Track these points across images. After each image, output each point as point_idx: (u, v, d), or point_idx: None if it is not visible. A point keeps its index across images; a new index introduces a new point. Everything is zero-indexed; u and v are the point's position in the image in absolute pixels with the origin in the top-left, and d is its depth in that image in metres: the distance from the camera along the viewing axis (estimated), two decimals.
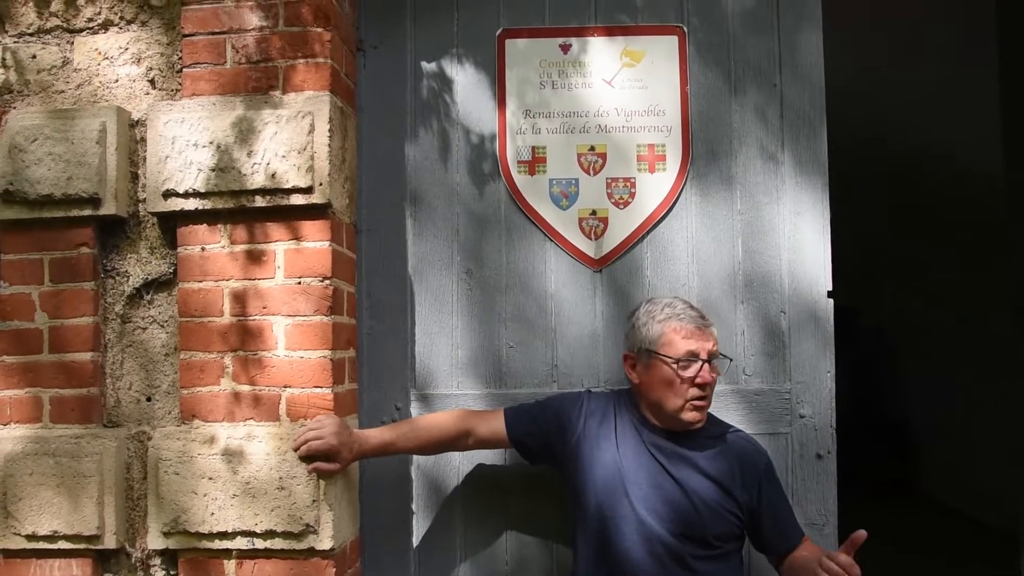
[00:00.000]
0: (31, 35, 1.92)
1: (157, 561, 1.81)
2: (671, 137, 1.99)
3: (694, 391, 1.65)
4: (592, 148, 2.01)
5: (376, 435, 1.79)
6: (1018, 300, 2.86)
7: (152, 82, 1.90)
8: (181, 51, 1.86)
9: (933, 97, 3.96)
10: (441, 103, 2.04)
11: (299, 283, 1.78)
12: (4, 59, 1.91)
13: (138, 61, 1.90)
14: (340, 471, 1.75)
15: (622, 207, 1.99)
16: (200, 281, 1.80)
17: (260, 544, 1.73)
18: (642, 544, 1.63)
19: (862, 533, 1.52)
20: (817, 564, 1.55)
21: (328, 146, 1.77)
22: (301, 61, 1.81)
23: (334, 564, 1.74)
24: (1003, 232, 2.92)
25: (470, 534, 1.97)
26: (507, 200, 2.01)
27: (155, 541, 1.76)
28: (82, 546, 1.79)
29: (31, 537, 1.78)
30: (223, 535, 1.73)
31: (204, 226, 1.81)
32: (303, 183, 1.75)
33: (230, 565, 1.75)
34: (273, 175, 1.76)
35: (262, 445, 1.73)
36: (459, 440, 1.80)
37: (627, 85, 2.01)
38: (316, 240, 1.79)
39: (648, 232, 1.98)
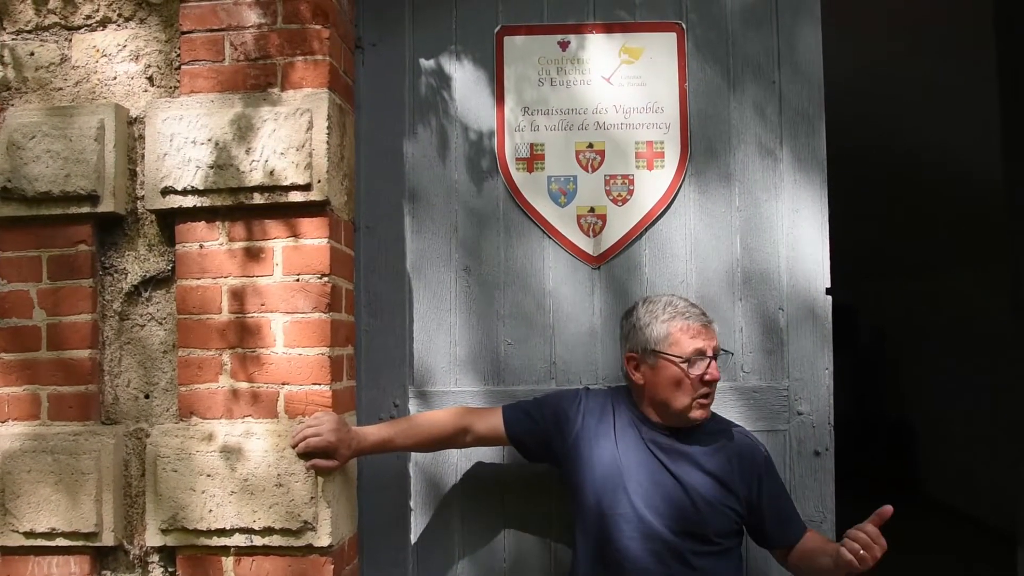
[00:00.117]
0: (29, 32, 1.92)
1: (155, 558, 1.81)
2: (670, 134, 1.99)
3: (702, 389, 1.65)
4: (590, 145, 2.00)
5: (374, 432, 1.79)
6: (1017, 298, 2.86)
7: (150, 79, 1.90)
8: (179, 48, 1.85)
9: (933, 95, 3.95)
10: (440, 100, 2.03)
11: (297, 280, 1.78)
12: (2, 56, 1.91)
13: (136, 58, 1.90)
14: (338, 468, 1.75)
15: (620, 204, 1.99)
16: (198, 278, 1.80)
17: (258, 541, 1.73)
18: (642, 541, 1.63)
19: (889, 508, 1.51)
20: (839, 544, 1.54)
21: (327, 143, 1.77)
22: (300, 58, 1.81)
23: (332, 561, 1.74)
24: (1003, 230, 2.92)
25: (468, 531, 1.97)
26: (505, 197, 2.01)
27: (153, 538, 1.76)
28: (80, 543, 1.79)
29: (29, 534, 1.78)
30: (221, 532, 1.73)
31: (202, 223, 1.81)
32: (301, 180, 1.75)
33: (228, 562, 1.75)
34: (271, 172, 1.76)
35: (260, 442, 1.73)
36: (457, 437, 1.80)
37: (626, 82, 2.01)
38: (314, 237, 1.79)
39: (646, 229, 1.98)
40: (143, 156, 1.85)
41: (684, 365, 1.64)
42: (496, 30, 2.03)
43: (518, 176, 2.01)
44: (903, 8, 3.23)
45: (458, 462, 1.97)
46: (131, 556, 1.82)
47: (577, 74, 2.02)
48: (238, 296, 1.79)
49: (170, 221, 1.84)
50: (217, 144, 1.77)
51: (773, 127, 1.98)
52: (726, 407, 1.89)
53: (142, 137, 1.86)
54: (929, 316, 6.34)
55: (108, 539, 1.78)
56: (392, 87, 2.03)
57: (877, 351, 7.34)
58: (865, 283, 6.81)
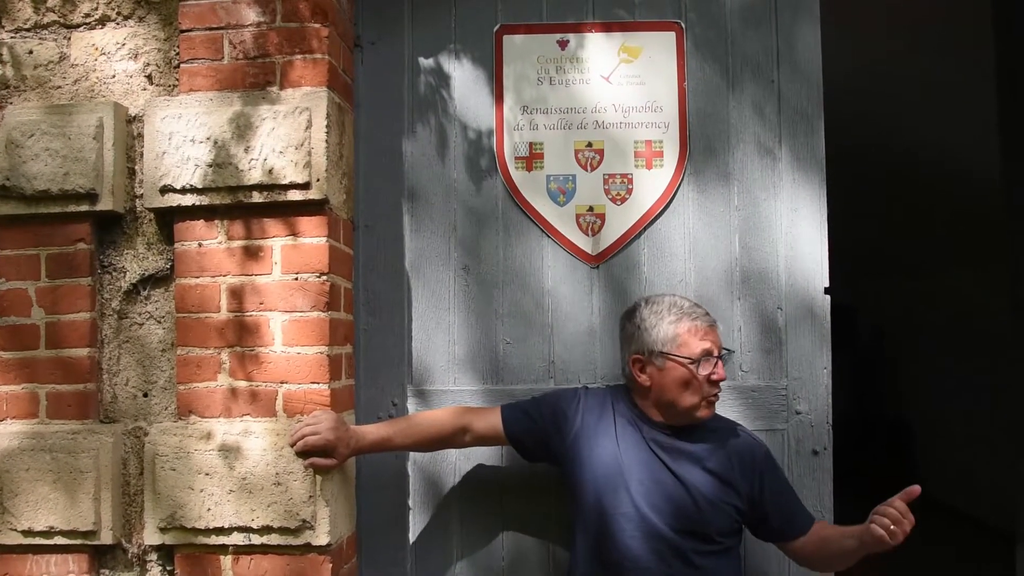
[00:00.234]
0: (28, 30, 1.91)
1: (153, 557, 1.81)
2: (668, 133, 1.99)
3: (710, 388, 1.66)
4: (589, 144, 2.00)
5: (373, 431, 1.79)
6: (1016, 297, 2.86)
7: (149, 78, 1.90)
8: (178, 47, 1.85)
9: (932, 94, 3.95)
10: (439, 99, 2.03)
11: (296, 279, 1.78)
12: (1, 54, 1.91)
13: (135, 57, 1.90)
14: (337, 467, 1.75)
15: (619, 203, 1.99)
16: (197, 277, 1.80)
17: (256, 540, 1.73)
18: (644, 540, 1.63)
19: (917, 488, 1.52)
20: (867, 523, 1.54)
21: (325, 142, 1.76)
22: (298, 57, 1.80)
23: (330, 560, 1.74)
24: (1002, 229, 2.92)
25: (467, 531, 1.97)
26: (504, 196, 2.01)
27: (152, 537, 1.76)
28: (78, 542, 1.79)
29: (27, 533, 1.78)
30: (220, 531, 1.73)
31: (201, 222, 1.81)
32: (300, 179, 1.75)
33: (226, 560, 1.75)
34: (270, 171, 1.76)
35: (259, 441, 1.73)
36: (456, 437, 1.80)
37: (625, 81, 2.01)
38: (313, 236, 1.78)
39: (645, 228, 1.98)
40: (142, 154, 1.85)
41: (693, 366, 1.64)
42: (495, 29, 2.03)
43: (517, 175, 2.01)
44: (902, 7, 3.23)
45: (457, 461, 1.97)
46: (129, 555, 1.82)
47: (576, 73, 2.02)
48: (237, 295, 1.79)
49: (169, 220, 1.84)
50: (216, 143, 1.77)
51: (772, 126, 1.98)
52: (725, 406, 1.89)
53: (141, 135, 1.86)
54: (928, 315, 6.34)
55: (106, 537, 1.78)
56: (391, 86, 2.03)
57: (876, 350, 7.34)
58: (864, 282, 6.81)
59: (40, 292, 1.84)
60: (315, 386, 1.77)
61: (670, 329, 1.66)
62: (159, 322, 1.87)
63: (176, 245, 1.82)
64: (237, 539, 1.73)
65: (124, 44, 1.90)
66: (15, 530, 1.78)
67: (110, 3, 1.90)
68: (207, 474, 1.73)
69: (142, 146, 1.84)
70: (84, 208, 1.82)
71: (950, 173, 4.59)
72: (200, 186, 1.77)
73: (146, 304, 1.88)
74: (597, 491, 1.67)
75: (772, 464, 1.74)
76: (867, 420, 6.96)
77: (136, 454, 1.84)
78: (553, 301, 1.99)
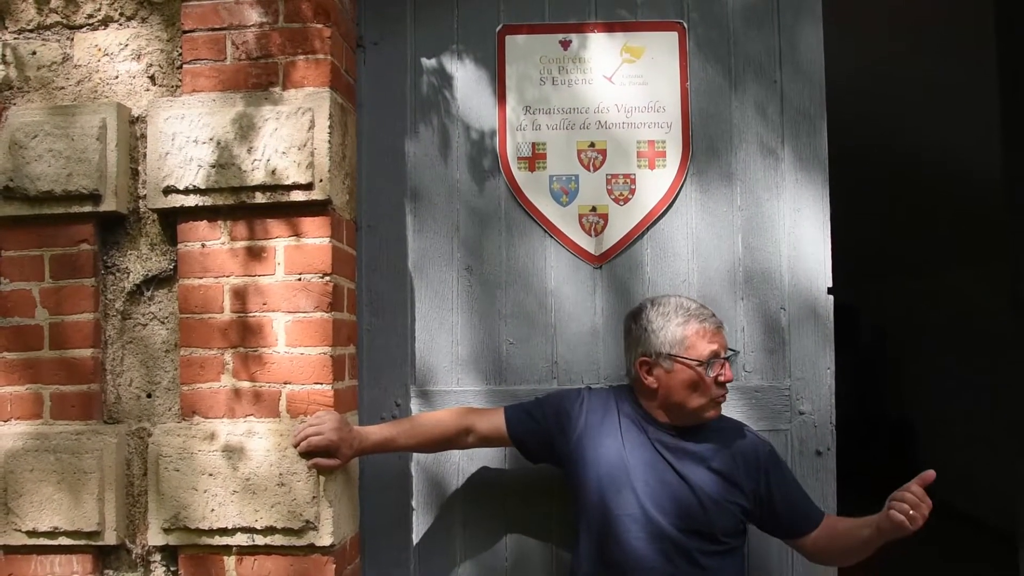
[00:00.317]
0: (31, 31, 1.92)
1: (157, 557, 1.81)
2: (671, 133, 1.99)
3: (718, 389, 1.66)
4: (592, 144, 2.00)
5: (376, 432, 1.79)
6: (1018, 297, 2.86)
7: (152, 78, 1.90)
8: (181, 47, 1.85)
9: (934, 94, 3.95)
10: (441, 99, 2.03)
11: (299, 279, 1.78)
12: (4, 55, 1.91)
13: (138, 57, 1.90)
14: (340, 467, 1.75)
15: (622, 203, 1.99)
16: (200, 277, 1.80)
17: (260, 540, 1.73)
18: (649, 541, 1.63)
19: (931, 472, 1.52)
20: (884, 511, 1.54)
21: (328, 142, 1.77)
22: (301, 57, 1.81)
23: (334, 560, 1.74)
24: (1003, 229, 2.92)
25: (470, 532, 1.97)
26: (507, 196, 2.01)
27: (155, 537, 1.76)
28: (82, 542, 1.79)
29: (32, 533, 1.78)
30: (223, 531, 1.73)
31: (204, 222, 1.81)
32: (303, 179, 1.75)
33: (230, 561, 1.75)
34: (273, 171, 1.76)
35: (262, 441, 1.73)
36: (459, 438, 1.80)
37: (627, 81, 2.01)
38: (316, 236, 1.79)
39: (648, 228, 1.98)
40: (145, 155, 1.85)
41: (701, 368, 1.64)
42: (498, 29, 2.03)
43: (520, 175, 2.01)
44: (904, 7, 3.23)
45: (460, 462, 1.97)
46: (133, 555, 1.82)
47: (579, 73, 2.02)
48: (240, 295, 1.79)
49: (172, 220, 1.85)
50: (219, 143, 1.77)
51: (775, 126, 1.98)
52: (728, 407, 1.87)
53: (144, 136, 1.86)
54: (929, 315, 6.34)
55: (110, 538, 1.78)
56: (394, 86, 2.03)
57: (878, 350, 7.34)
58: (866, 282, 6.81)
59: (44, 293, 1.84)
60: (318, 387, 1.77)
61: (678, 331, 1.66)
62: (163, 323, 1.87)
63: (179, 246, 1.82)
64: (241, 540, 1.73)
65: (127, 45, 1.90)
66: (19, 531, 1.78)
67: (113, 4, 1.90)
68: (211, 475, 1.73)
69: (145, 147, 1.85)
70: (87, 209, 1.82)
71: (952, 173, 4.59)
72: (203, 187, 1.77)
73: (149, 305, 1.88)
74: (602, 491, 1.67)
75: (777, 461, 1.74)
76: (869, 420, 6.96)
77: (140, 455, 1.84)
78: (556, 301, 1.99)
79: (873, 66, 3.66)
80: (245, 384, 1.78)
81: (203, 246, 1.81)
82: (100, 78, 1.90)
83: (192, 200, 1.79)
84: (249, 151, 1.77)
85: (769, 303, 1.96)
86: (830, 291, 1.96)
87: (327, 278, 1.78)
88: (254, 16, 1.82)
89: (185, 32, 1.83)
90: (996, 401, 4.70)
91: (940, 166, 4.61)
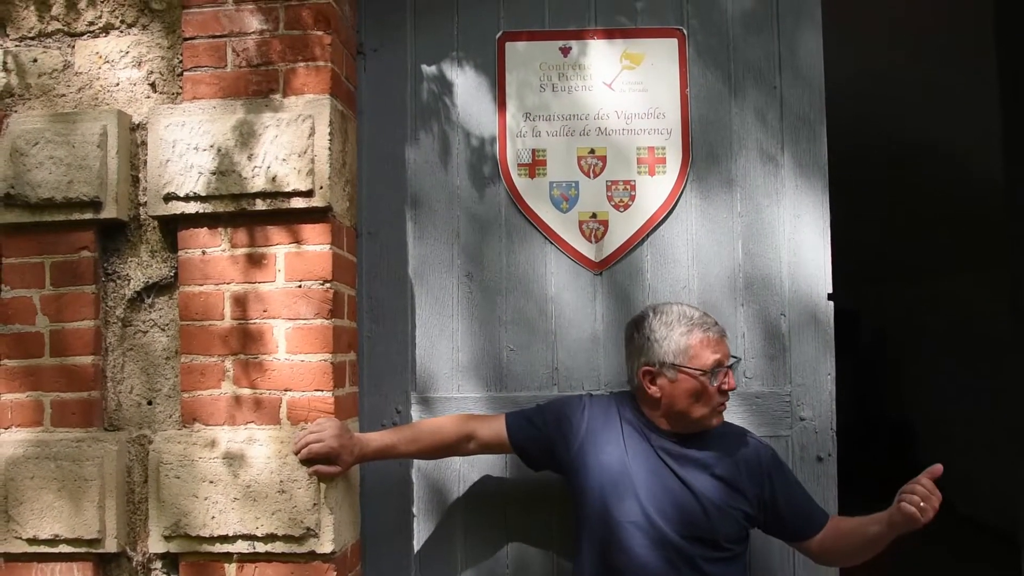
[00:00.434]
0: (32, 39, 1.92)
1: (158, 565, 1.81)
2: (671, 140, 1.99)
3: (720, 398, 1.66)
4: (592, 151, 2.01)
5: (377, 438, 1.79)
6: (1017, 301, 2.86)
7: (153, 86, 1.90)
8: (182, 54, 1.86)
9: (934, 99, 3.96)
10: (441, 106, 2.04)
11: (300, 286, 1.78)
12: (5, 63, 1.92)
13: (139, 65, 1.90)
14: (341, 474, 1.75)
15: (622, 210, 1.99)
16: (201, 284, 1.80)
17: (261, 547, 1.73)
18: (653, 548, 1.63)
19: (939, 466, 1.54)
20: (893, 506, 1.54)
21: (328, 149, 1.77)
22: (301, 64, 1.81)
23: (335, 568, 1.74)
24: (1003, 233, 2.92)
25: (471, 539, 1.97)
26: (507, 203, 2.01)
27: (156, 545, 1.76)
28: (83, 550, 1.79)
29: (32, 541, 1.78)
30: (224, 539, 1.73)
31: (205, 229, 1.81)
32: (303, 186, 1.75)
33: (231, 569, 1.75)
34: (274, 178, 1.76)
35: (263, 448, 1.73)
36: (460, 444, 1.80)
37: (627, 88, 2.01)
38: (317, 243, 1.79)
39: (648, 235, 1.98)
40: (145, 162, 1.85)
41: (705, 378, 1.63)
42: (497, 36, 2.03)
43: (520, 182, 2.01)
44: (904, 12, 3.24)
45: (461, 469, 1.97)
46: (134, 563, 1.82)
47: (578, 80, 2.02)
48: (240, 302, 1.79)
49: (172, 227, 1.85)
50: (219, 150, 1.77)
51: (774, 132, 1.98)
52: (729, 413, 1.87)
53: (144, 143, 1.86)
54: (929, 318, 6.34)
55: (111, 546, 1.78)
56: (394, 93, 2.04)
57: (878, 353, 7.34)
58: (866, 286, 6.81)
59: (44, 300, 1.84)
60: (319, 393, 1.77)
61: (682, 341, 1.65)
62: (163, 330, 1.87)
63: (180, 253, 1.82)
64: (241, 547, 1.73)
65: (128, 52, 1.90)
66: (20, 538, 1.78)
67: (114, 11, 1.91)
68: (211, 482, 1.73)
69: (146, 154, 1.85)
70: (88, 216, 1.83)
71: (952, 177, 4.59)
72: (204, 194, 1.77)
73: (150, 312, 1.88)
74: (604, 499, 1.67)
75: (779, 465, 1.74)
76: (870, 423, 6.96)
77: (140, 462, 1.84)
78: (556, 308, 1.99)
79: (873, 70, 3.66)
80: (246, 391, 1.78)
81: (204, 253, 1.81)
82: (101, 85, 1.90)
83: (193, 207, 1.79)
84: (249, 158, 1.77)
85: (769, 309, 1.96)
86: (830, 297, 1.96)
87: (327, 285, 1.78)
88: (255, 23, 1.82)
89: (186, 39, 1.84)
90: (996, 404, 4.70)
91: (940, 170, 4.62)
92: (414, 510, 1.98)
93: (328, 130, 1.77)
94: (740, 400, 1.92)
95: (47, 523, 1.77)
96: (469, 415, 1.86)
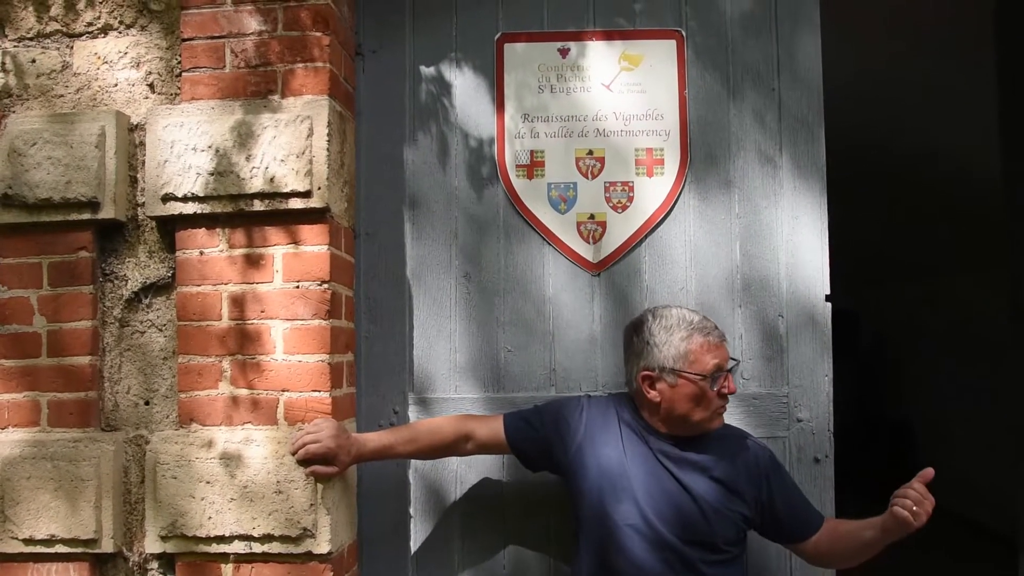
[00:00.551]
0: (31, 39, 1.92)
1: (155, 565, 1.81)
2: (669, 141, 1.99)
3: (720, 401, 1.66)
4: (590, 152, 2.01)
5: (374, 439, 1.79)
6: (1017, 302, 2.86)
7: (151, 86, 1.90)
8: (180, 55, 1.86)
9: (933, 98, 3.95)
10: (440, 107, 2.04)
11: (297, 287, 1.78)
12: (4, 63, 1.92)
13: (137, 65, 1.90)
14: (338, 475, 1.75)
15: (620, 211, 1.99)
16: (198, 285, 1.80)
17: (257, 548, 1.73)
18: (651, 550, 1.63)
19: (931, 470, 1.54)
20: (887, 511, 1.55)
21: (327, 150, 1.77)
22: (300, 65, 1.81)
23: (331, 568, 1.74)
24: (1003, 233, 2.92)
25: (468, 540, 1.97)
26: (505, 204, 2.01)
27: (153, 545, 1.76)
28: (79, 550, 1.79)
29: (28, 541, 1.78)
30: (220, 539, 1.73)
31: (203, 230, 1.81)
32: (302, 187, 1.75)
33: (227, 569, 1.75)
34: (272, 179, 1.76)
35: (260, 449, 1.74)
36: (458, 445, 1.80)
37: (625, 89, 2.01)
38: (314, 244, 1.79)
39: (646, 236, 1.98)
40: (144, 163, 1.85)
41: (705, 383, 1.63)
42: (496, 37, 2.03)
43: (518, 183, 2.01)
44: (903, 11, 3.23)
45: (459, 470, 1.97)
46: (130, 563, 1.82)
47: (577, 81, 2.02)
48: (238, 303, 1.79)
49: (170, 228, 1.85)
50: (217, 151, 1.77)
51: (773, 134, 1.98)
52: (726, 414, 1.87)
53: (143, 144, 1.86)
54: (929, 319, 6.34)
55: (107, 546, 1.78)
56: (392, 94, 2.03)
57: (878, 354, 7.34)
58: (865, 286, 6.81)
59: (42, 300, 1.84)
60: (316, 394, 1.77)
61: (682, 345, 1.64)
62: (160, 330, 1.87)
63: (178, 253, 1.82)
64: (238, 547, 1.73)
65: (126, 53, 1.90)
66: (16, 538, 1.78)
67: (112, 12, 1.91)
68: (208, 482, 1.73)
69: (144, 154, 1.85)
70: (86, 216, 1.83)
71: (951, 177, 4.59)
72: (202, 194, 1.77)
73: (148, 312, 1.88)
74: (602, 501, 1.67)
75: (777, 467, 1.74)
76: (869, 424, 6.95)
77: (137, 462, 1.84)
78: (554, 309, 1.99)
79: (871, 71, 3.66)
80: (243, 391, 1.78)
81: (201, 254, 1.81)
82: (99, 86, 1.90)
83: (190, 208, 1.79)
84: (248, 159, 1.77)
85: (767, 310, 1.96)
86: (828, 298, 1.96)
87: (325, 285, 1.78)
88: (253, 24, 1.82)
89: (184, 40, 1.84)
90: (996, 405, 4.70)
91: (939, 170, 4.61)
92: (411, 511, 1.98)
93: (326, 131, 1.77)
94: (737, 401, 1.92)
95: (43, 523, 1.77)
96: (467, 415, 1.86)
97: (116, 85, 1.90)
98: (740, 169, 1.99)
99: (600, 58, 2.02)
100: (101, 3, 1.91)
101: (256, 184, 1.76)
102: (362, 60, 2.04)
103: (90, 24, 1.91)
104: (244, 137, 1.77)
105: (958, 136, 4.10)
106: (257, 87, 1.81)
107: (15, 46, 1.92)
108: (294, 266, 1.79)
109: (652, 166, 1.99)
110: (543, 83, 2.02)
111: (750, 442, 1.75)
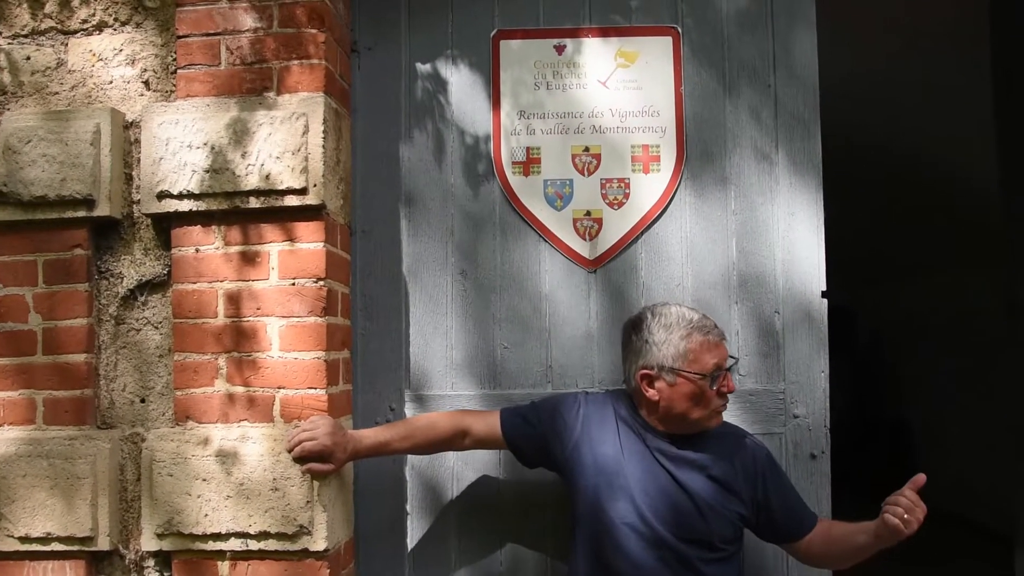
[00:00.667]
0: (25, 36, 1.92)
1: (151, 563, 1.81)
2: (665, 138, 1.99)
3: (719, 400, 1.66)
4: (587, 149, 2.01)
5: (371, 435, 1.79)
6: (1014, 300, 2.86)
7: (146, 83, 1.90)
8: (175, 52, 1.85)
9: (930, 97, 3.96)
10: (436, 104, 2.04)
11: (293, 284, 1.78)
12: None
13: (132, 62, 1.90)
14: (334, 472, 1.75)
15: (616, 208, 1.99)
16: (194, 282, 1.80)
17: (254, 545, 1.73)
18: (649, 548, 1.63)
19: (922, 476, 1.54)
20: (879, 517, 1.55)
21: (322, 147, 1.77)
22: (295, 62, 1.81)
23: (328, 565, 1.73)
24: (1000, 232, 2.92)
25: (465, 537, 1.96)
26: (502, 201, 2.01)
27: (149, 543, 1.76)
28: (76, 548, 1.78)
29: (24, 539, 1.78)
30: (217, 536, 1.73)
31: (198, 227, 1.81)
32: (297, 184, 1.75)
33: (224, 566, 1.75)
34: (267, 176, 1.76)
35: (256, 446, 1.73)
36: (454, 440, 1.79)
37: (621, 86, 2.01)
38: (310, 241, 1.78)
39: (643, 232, 1.98)
40: (139, 160, 1.85)
41: (705, 382, 1.63)
42: (492, 34, 2.03)
43: (514, 180, 2.01)
44: (899, 10, 3.24)
45: (455, 467, 1.97)
46: (126, 560, 1.82)
47: (573, 78, 2.02)
48: (234, 300, 1.79)
49: (166, 225, 1.84)
50: (213, 148, 1.77)
51: (768, 131, 1.98)
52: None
53: (138, 141, 1.86)
54: (926, 317, 6.34)
55: (103, 544, 1.78)
56: (388, 91, 2.03)
57: (875, 352, 7.34)
58: (863, 284, 6.81)
59: (37, 298, 1.84)
60: (312, 391, 1.77)
61: (681, 344, 1.64)
62: (156, 328, 1.87)
63: (173, 251, 1.82)
64: (234, 545, 1.73)
65: (121, 50, 1.90)
66: (12, 536, 1.78)
67: (107, 9, 1.90)
68: (204, 480, 1.73)
69: (139, 152, 1.85)
70: (81, 214, 1.82)
71: (948, 176, 4.60)
72: (197, 192, 1.77)
73: (143, 310, 1.88)
74: (599, 498, 1.66)
75: (773, 465, 1.74)
76: (866, 422, 6.96)
77: (133, 460, 1.83)
78: (551, 306, 1.99)
79: (868, 69, 3.66)
80: (239, 389, 1.78)
81: (197, 251, 1.81)
82: (94, 83, 1.90)
83: (186, 205, 1.79)
84: (243, 156, 1.77)
85: (763, 307, 1.96)
86: (824, 295, 1.96)
87: (321, 283, 1.78)
88: (248, 21, 1.82)
89: (179, 37, 1.84)
90: (993, 404, 4.70)
91: (936, 168, 4.62)
92: (408, 508, 1.98)
93: (322, 128, 1.77)
94: (734, 397, 1.90)
95: (39, 521, 1.77)
96: (464, 411, 1.86)
97: (111, 82, 1.90)
98: (736, 166, 1.99)
99: (596, 55, 2.02)
100: (96, 0, 1.90)
101: (252, 181, 1.76)
102: (358, 57, 2.04)
103: (85, 21, 1.91)
104: (239, 134, 1.77)
105: (955, 134, 4.11)
106: (252, 84, 1.81)
107: (9, 43, 1.92)
108: (290, 263, 1.79)
109: (648, 163, 1.99)
110: (539, 80, 2.02)
111: (748, 441, 1.75)
